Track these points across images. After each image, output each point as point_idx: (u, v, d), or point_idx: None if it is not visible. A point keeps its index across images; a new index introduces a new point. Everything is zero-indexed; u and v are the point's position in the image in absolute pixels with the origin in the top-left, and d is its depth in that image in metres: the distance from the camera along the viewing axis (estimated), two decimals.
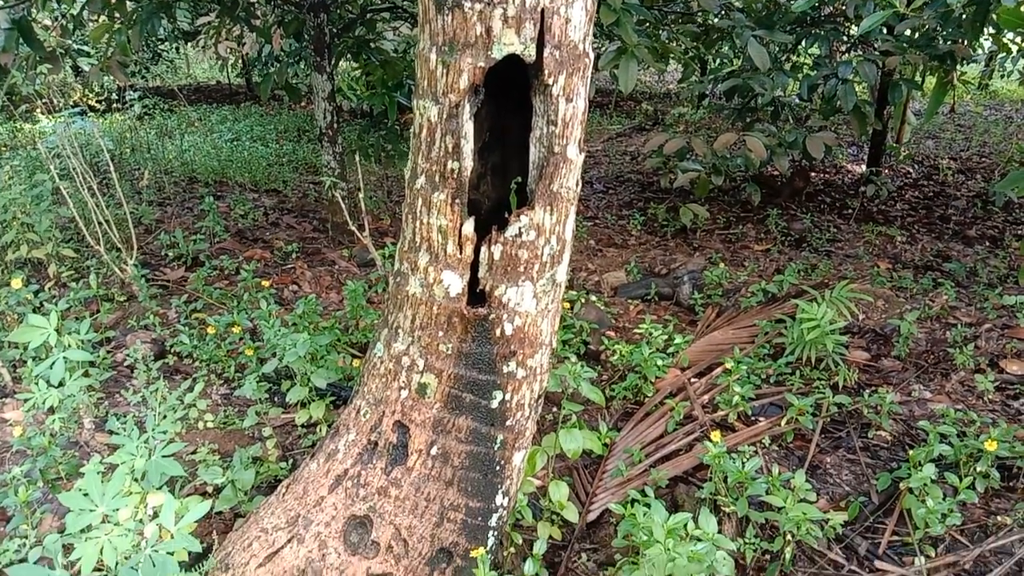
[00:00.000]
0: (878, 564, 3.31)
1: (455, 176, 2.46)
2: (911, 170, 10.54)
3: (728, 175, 8.80)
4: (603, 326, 5.63)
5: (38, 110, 10.48)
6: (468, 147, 2.44)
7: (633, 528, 2.86)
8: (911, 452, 3.63)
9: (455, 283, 2.60)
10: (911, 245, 7.62)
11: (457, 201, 2.49)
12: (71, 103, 12.17)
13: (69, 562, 2.72)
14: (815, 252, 7.42)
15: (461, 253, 2.56)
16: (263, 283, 5.55)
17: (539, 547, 2.89)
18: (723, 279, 6.28)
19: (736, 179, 9.63)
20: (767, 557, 3.42)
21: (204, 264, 6.31)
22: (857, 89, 8.20)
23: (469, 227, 2.52)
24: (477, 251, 2.57)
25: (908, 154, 10.72)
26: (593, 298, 6.00)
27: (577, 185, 2.61)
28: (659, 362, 4.70)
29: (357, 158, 4.73)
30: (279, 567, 2.88)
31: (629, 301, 6.39)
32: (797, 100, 9.00)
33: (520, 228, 2.50)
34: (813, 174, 10.06)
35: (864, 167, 9.78)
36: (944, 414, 4.01)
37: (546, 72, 2.34)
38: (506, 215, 2.56)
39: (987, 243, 7.62)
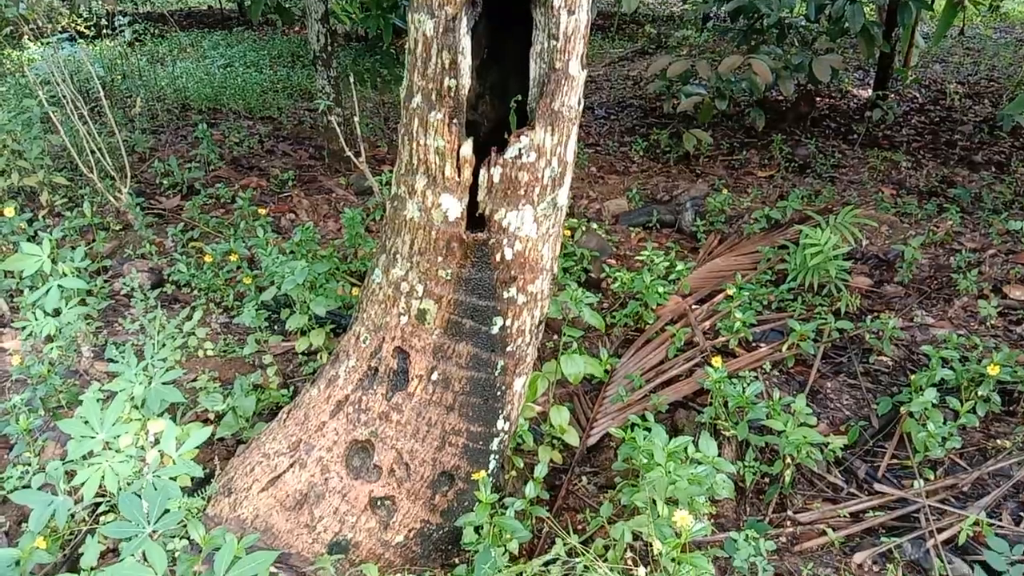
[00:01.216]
0: (877, 487, 3.34)
1: (452, 94, 2.37)
2: (918, 95, 10.33)
3: (732, 99, 8.61)
4: (604, 254, 5.58)
5: (25, 36, 10.21)
6: (466, 63, 2.35)
7: (633, 451, 2.86)
8: (912, 377, 3.62)
9: (454, 207, 2.54)
10: (916, 171, 7.51)
11: (455, 121, 2.41)
12: (59, 28, 11.85)
13: (71, 488, 2.73)
14: (819, 178, 7.32)
15: (459, 176, 2.49)
16: (260, 211, 5.48)
17: (540, 470, 2.90)
18: (726, 205, 6.20)
19: (740, 104, 9.45)
20: (766, 480, 3.45)
21: (199, 192, 6.23)
22: (865, 10, 7.95)
23: (468, 148, 2.44)
24: (476, 174, 2.50)
25: (915, 78, 10.48)
26: (594, 225, 5.94)
27: (579, 104, 2.52)
28: (660, 289, 4.66)
29: (351, 79, 4.60)
30: (282, 491, 2.89)
31: (630, 228, 6.33)
32: (804, 22, 8.74)
33: (520, 149, 2.43)
34: (818, 99, 9.86)
35: (870, 91, 9.58)
36: (946, 339, 4.00)
37: None
38: (506, 136, 2.48)
39: (993, 168, 7.50)
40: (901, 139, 8.54)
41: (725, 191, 6.54)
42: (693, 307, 4.83)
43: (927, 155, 8.01)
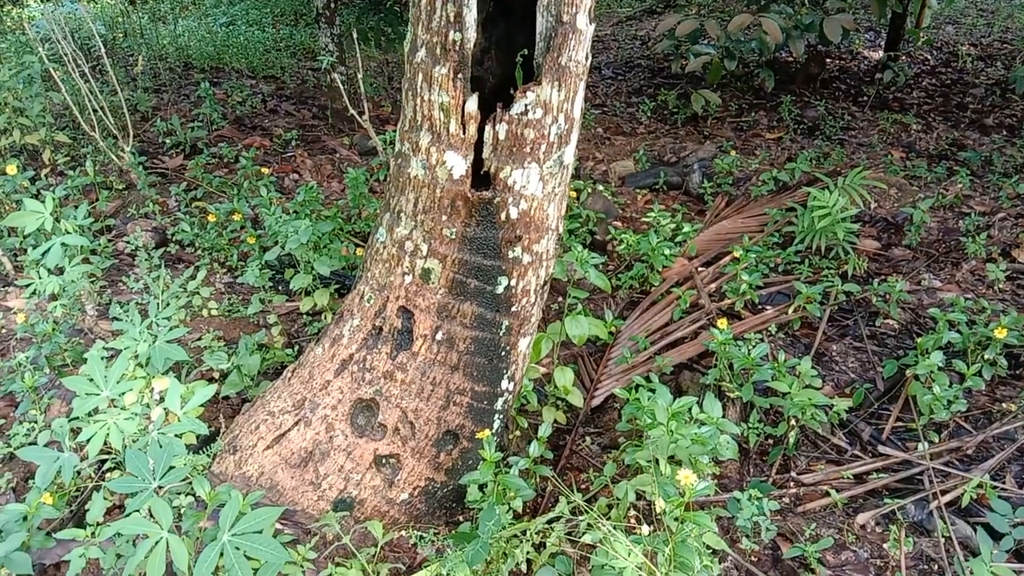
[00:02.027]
0: (881, 449, 3.34)
1: (457, 48, 2.33)
2: (929, 56, 10.16)
3: (741, 60, 8.50)
4: (610, 216, 5.54)
5: None
6: (471, 16, 2.30)
7: (637, 411, 2.86)
8: (919, 340, 3.60)
9: (458, 164, 2.50)
10: (926, 134, 7.41)
11: (460, 76, 2.36)
12: None
13: (77, 444, 2.74)
14: (828, 140, 7.23)
15: (464, 132, 2.46)
16: (263, 171, 5.43)
17: (544, 430, 2.90)
18: (734, 167, 6.14)
19: (749, 64, 9.32)
20: (770, 442, 3.45)
21: (202, 152, 6.18)
22: None
23: (472, 104, 2.40)
24: (481, 131, 2.46)
25: (927, 39, 10.30)
26: (600, 187, 5.89)
27: (587, 59, 2.47)
28: (666, 251, 4.63)
29: (354, 35, 4.52)
30: (287, 449, 2.90)
31: (637, 191, 6.27)
32: None
33: (526, 105, 2.39)
34: (829, 60, 9.72)
35: (881, 53, 9.43)
36: (954, 303, 3.97)
37: None
38: (511, 92, 2.44)
39: (1004, 132, 7.40)
40: (912, 101, 8.43)
41: (733, 153, 6.48)
42: (699, 269, 4.80)
43: (938, 118, 7.91)
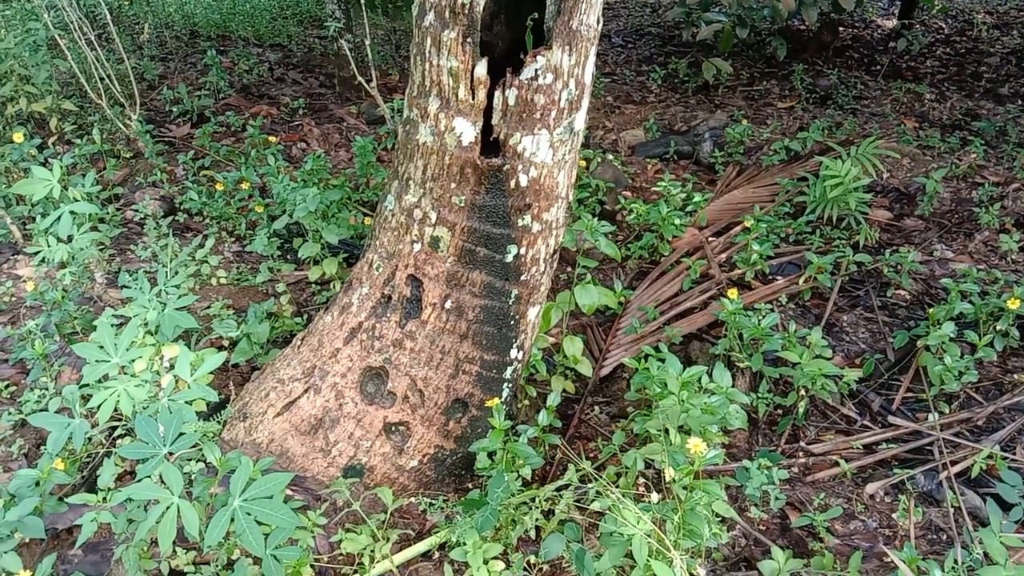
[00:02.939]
0: (891, 419, 3.33)
1: (466, 12, 2.29)
2: (944, 25, 10.01)
3: (753, 28, 8.37)
4: (620, 185, 5.50)
5: None
6: None
7: (647, 381, 2.86)
8: (930, 310, 3.58)
9: (467, 131, 2.48)
10: (940, 103, 7.32)
11: (469, 40, 2.33)
12: None
13: (87, 411, 2.75)
14: (840, 110, 7.14)
15: (473, 98, 2.42)
16: (270, 139, 5.41)
17: (553, 399, 2.90)
18: (745, 137, 6.08)
19: (761, 32, 9.19)
20: (780, 412, 3.45)
21: (209, 120, 6.14)
22: None
23: (482, 69, 2.37)
24: (491, 96, 2.43)
25: (942, 7, 10.13)
26: (610, 156, 5.84)
27: (598, 23, 2.43)
28: (676, 221, 4.60)
29: (361, 1, 4.46)
30: (296, 416, 2.91)
31: (647, 160, 6.22)
32: None
33: (536, 70, 2.35)
34: (842, 28, 9.57)
35: (895, 21, 9.29)
36: (966, 273, 3.94)
37: None
38: (521, 57, 2.40)
39: (1019, 101, 7.30)
40: (925, 71, 8.31)
41: (744, 122, 6.41)
42: (709, 239, 4.77)
43: (951, 87, 7.80)
